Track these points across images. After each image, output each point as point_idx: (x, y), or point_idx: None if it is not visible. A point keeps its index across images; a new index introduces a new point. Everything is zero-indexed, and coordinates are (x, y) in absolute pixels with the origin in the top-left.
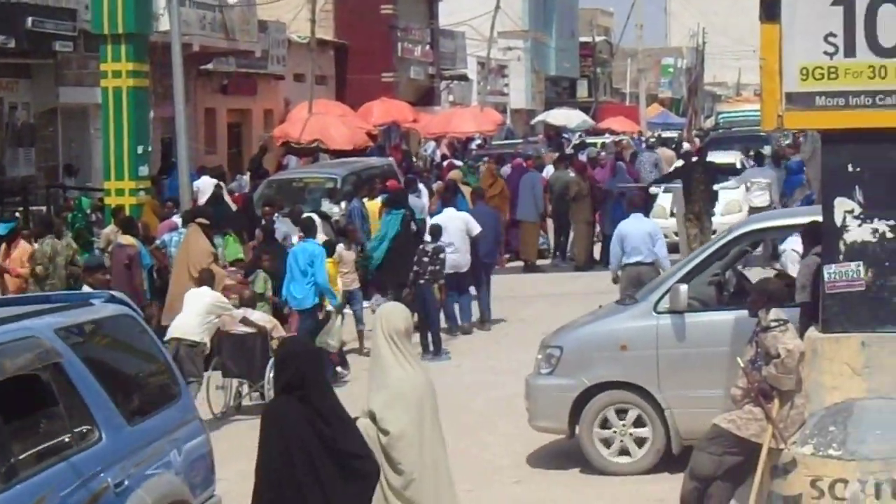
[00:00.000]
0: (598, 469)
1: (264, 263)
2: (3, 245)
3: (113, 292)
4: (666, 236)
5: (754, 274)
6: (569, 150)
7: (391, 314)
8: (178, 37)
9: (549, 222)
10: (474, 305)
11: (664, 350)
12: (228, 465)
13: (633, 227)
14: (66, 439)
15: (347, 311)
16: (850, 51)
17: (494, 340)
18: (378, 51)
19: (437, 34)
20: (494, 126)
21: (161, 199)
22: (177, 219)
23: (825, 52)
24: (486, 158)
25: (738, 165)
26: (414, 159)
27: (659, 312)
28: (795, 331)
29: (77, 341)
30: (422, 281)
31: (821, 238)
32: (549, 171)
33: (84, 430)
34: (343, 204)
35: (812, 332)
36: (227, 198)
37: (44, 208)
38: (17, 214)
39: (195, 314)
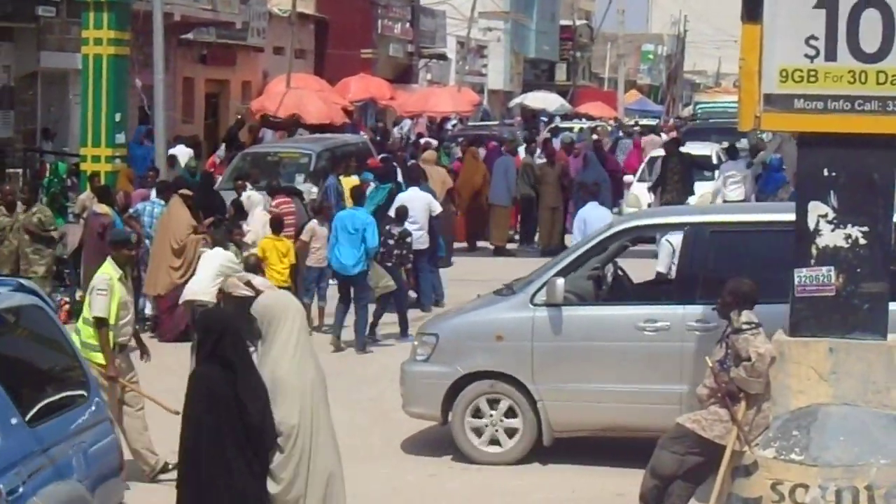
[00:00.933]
0: (469, 458)
1: (235, 237)
2: None
3: (21, 280)
4: None
5: (632, 266)
6: (544, 134)
7: (275, 305)
8: (160, 5)
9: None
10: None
11: (539, 342)
12: None
13: (592, 213)
14: None
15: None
16: (830, 54)
17: None
18: (358, 27)
19: (418, 12)
20: (471, 107)
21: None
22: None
23: (806, 55)
24: (461, 140)
25: (714, 159)
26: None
27: (535, 305)
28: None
29: None
30: (389, 264)
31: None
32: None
33: None
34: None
35: (780, 334)
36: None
37: (20, 170)
38: None
39: (208, 276)
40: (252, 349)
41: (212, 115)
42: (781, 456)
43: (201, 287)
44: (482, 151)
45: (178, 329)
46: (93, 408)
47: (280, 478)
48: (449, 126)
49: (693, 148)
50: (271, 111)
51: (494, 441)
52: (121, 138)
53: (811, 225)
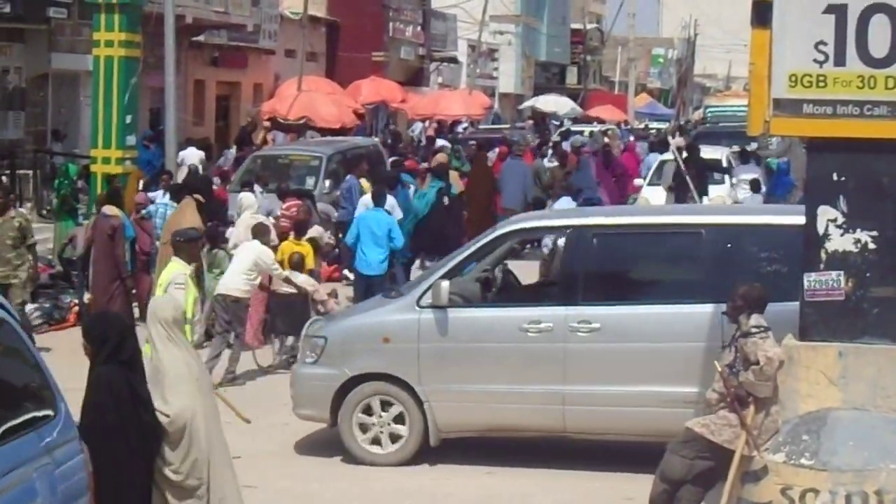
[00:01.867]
0: (357, 458)
1: (220, 243)
2: None
3: None
4: None
5: (520, 267)
6: (554, 138)
7: (160, 306)
8: (171, 7)
9: None
10: None
11: (425, 344)
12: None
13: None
14: None
15: None
16: (839, 59)
17: None
18: (369, 30)
19: (429, 15)
20: (482, 110)
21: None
22: (152, 194)
23: (815, 60)
24: (472, 142)
25: (725, 163)
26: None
27: (422, 307)
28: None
29: None
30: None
31: None
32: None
33: None
34: (328, 182)
35: (789, 339)
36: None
37: (30, 172)
38: (4, 178)
39: (240, 270)
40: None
41: (223, 118)
42: (791, 460)
43: (234, 283)
44: (492, 155)
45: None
46: (60, 426)
47: (177, 467)
48: (460, 129)
49: (703, 152)
50: (282, 114)
51: (382, 441)
52: (131, 140)
53: (820, 229)
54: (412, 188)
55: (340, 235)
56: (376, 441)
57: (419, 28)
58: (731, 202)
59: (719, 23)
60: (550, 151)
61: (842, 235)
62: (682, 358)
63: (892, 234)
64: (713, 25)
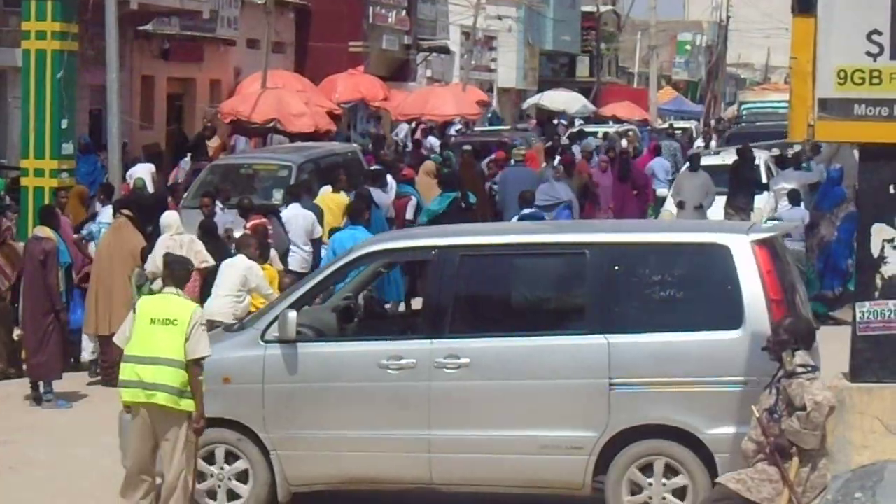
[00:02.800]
0: None
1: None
2: None
3: None
4: None
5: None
6: (563, 141)
7: None
8: None
9: None
10: None
11: (271, 384)
12: None
13: None
14: None
15: None
16: None
17: None
18: (346, 16)
19: None
20: (478, 109)
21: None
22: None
23: (868, 53)
24: (465, 148)
25: (763, 170)
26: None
27: (267, 341)
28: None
29: None
30: None
31: None
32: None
33: None
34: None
35: (840, 380)
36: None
37: None
38: None
39: (225, 292)
40: None
41: (175, 120)
42: None
43: (218, 306)
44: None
45: None
46: None
47: None
48: (452, 132)
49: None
50: (245, 115)
51: (225, 496)
52: (68, 148)
53: (875, 251)
54: (413, 199)
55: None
56: (212, 494)
57: (404, 13)
58: (767, 217)
59: (756, 3)
60: (558, 158)
61: None
62: (563, 397)
63: None
64: (749, 6)
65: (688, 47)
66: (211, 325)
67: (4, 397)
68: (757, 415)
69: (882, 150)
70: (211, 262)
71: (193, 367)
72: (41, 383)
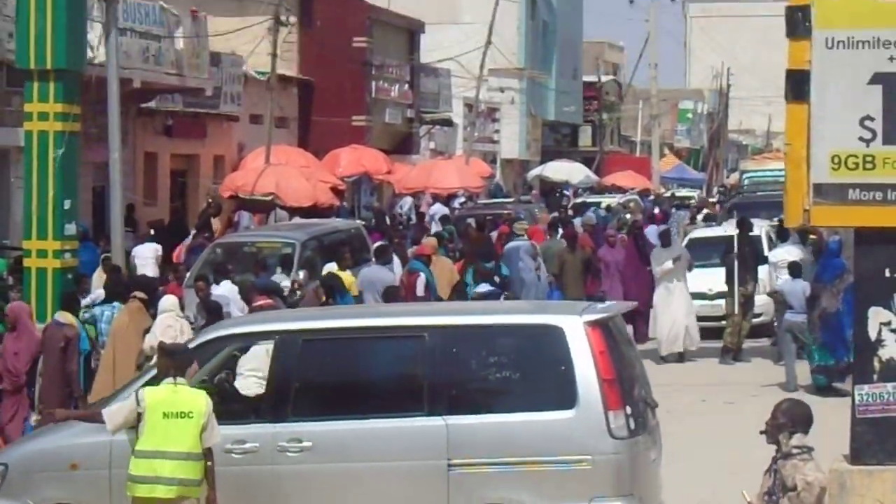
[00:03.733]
0: None
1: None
2: None
3: None
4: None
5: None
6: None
7: None
8: (115, 70)
9: None
10: None
11: (119, 470)
12: None
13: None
14: None
15: None
16: (890, 137)
17: None
18: (348, 90)
19: (419, 72)
20: (481, 181)
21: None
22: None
23: (861, 139)
24: (469, 221)
25: (765, 240)
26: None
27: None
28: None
29: None
30: None
31: None
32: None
33: None
34: (301, 274)
35: (841, 462)
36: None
37: None
38: None
39: (252, 373)
40: None
41: (179, 196)
42: None
43: (245, 386)
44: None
45: None
46: None
47: None
48: (456, 204)
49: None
50: (246, 190)
51: None
52: (71, 229)
53: (872, 334)
54: (423, 276)
55: None
56: None
57: (406, 86)
58: (769, 289)
59: (755, 70)
60: (560, 231)
61: None
62: (404, 479)
63: None
64: (749, 73)
65: (689, 115)
66: None
67: None
68: (748, 500)
69: (877, 234)
70: None
71: (210, 454)
72: None
